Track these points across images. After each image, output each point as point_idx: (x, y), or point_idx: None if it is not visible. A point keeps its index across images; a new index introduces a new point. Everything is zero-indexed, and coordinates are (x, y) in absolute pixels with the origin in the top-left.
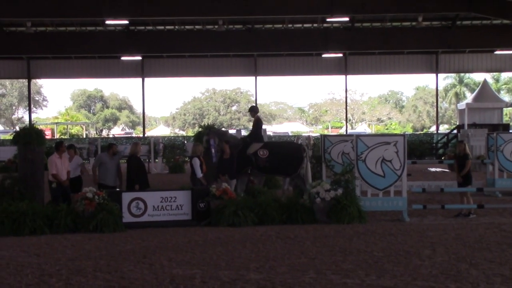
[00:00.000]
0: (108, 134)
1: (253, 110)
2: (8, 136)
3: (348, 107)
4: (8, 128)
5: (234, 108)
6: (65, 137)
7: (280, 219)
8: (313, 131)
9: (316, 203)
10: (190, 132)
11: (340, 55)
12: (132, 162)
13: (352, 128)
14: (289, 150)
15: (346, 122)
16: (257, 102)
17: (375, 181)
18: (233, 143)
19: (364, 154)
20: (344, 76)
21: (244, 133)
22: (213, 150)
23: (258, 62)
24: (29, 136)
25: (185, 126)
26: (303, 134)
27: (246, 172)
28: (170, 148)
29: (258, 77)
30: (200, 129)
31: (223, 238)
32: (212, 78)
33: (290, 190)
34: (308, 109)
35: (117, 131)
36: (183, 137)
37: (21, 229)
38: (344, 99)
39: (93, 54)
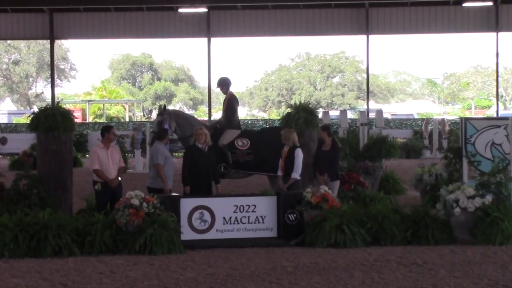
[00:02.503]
0: None
1: (224, 83)
2: (24, 119)
3: (500, 78)
4: (23, 108)
5: (336, 80)
6: (101, 120)
7: (403, 238)
8: (449, 113)
9: (455, 216)
10: (274, 114)
11: (489, 3)
12: (190, 155)
13: (505, 108)
14: (277, 137)
15: (497, 100)
16: (369, 72)
17: None
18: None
19: None
20: (494, 34)
21: (351, 115)
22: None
23: (370, 14)
24: (53, 119)
25: (267, 105)
26: (435, 117)
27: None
28: None
29: (370, 36)
30: (289, 110)
31: (322, 263)
32: (305, 38)
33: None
34: (441, 82)
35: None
36: (264, 120)
37: (42, 248)
38: (495, 66)
39: (140, 4)
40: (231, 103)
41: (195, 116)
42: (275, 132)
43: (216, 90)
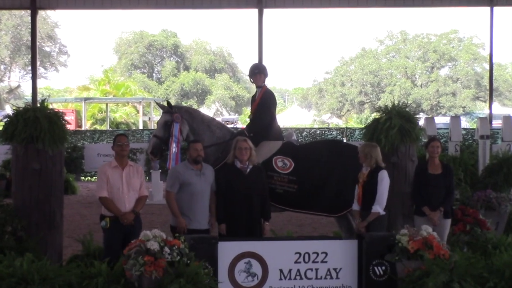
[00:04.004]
0: None
1: (259, 71)
2: None
3: None
4: None
5: (444, 71)
6: (102, 127)
7: None
8: None
9: None
10: (354, 121)
11: None
12: (224, 178)
13: None
14: (338, 156)
15: None
16: (493, 61)
17: None
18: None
19: None
20: None
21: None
22: (174, 145)
23: None
24: (35, 125)
25: (343, 108)
26: None
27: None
28: None
29: (496, 9)
30: (376, 115)
31: None
32: (400, 11)
33: None
34: None
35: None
36: (339, 130)
37: None
38: None
39: None
40: (264, 102)
41: (217, 119)
42: (335, 148)
43: (269, 84)
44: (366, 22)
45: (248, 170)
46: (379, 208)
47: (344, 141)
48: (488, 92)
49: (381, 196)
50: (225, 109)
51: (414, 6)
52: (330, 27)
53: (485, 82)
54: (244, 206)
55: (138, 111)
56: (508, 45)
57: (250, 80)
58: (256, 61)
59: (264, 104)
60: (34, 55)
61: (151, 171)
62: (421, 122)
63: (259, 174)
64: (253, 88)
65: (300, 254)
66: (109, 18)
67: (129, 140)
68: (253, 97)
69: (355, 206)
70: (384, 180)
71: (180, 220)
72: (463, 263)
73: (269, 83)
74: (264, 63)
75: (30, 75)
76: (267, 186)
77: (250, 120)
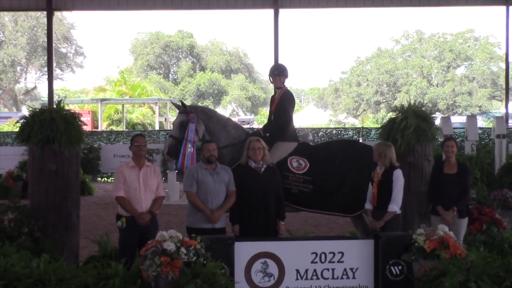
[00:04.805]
0: None
1: (280, 72)
2: (9, 126)
3: None
4: (7, 110)
5: (460, 71)
6: (119, 127)
7: None
8: None
9: None
10: (370, 121)
11: None
12: (238, 178)
13: None
14: (353, 155)
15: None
16: (509, 60)
17: None
18: (233, 137)
19: None
20: None
21: (482, 123)
22: (189, 145)
23: None
24: (51, 126)
25: (359, 108)
26: None
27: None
28: None
29: None
30: (393, 115)
31: None
32: (416, 10)
33: None
34: None
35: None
36: (355, 129)
37: None
38: None
39: None
40: (282, 103)
41: (233, 119)
42: (351, 148)
43: (287, 84)
44: (381, 22)
45: (263, 170)
46: (395, 207)
47: (360, 141)
48: (504, 91)
49: (397, 195)
50: (241, 110)
51: (430, 5)
52: (346, 27)
53: (501, 81)
54: (259, 206)
55: (154, 112)
56: None
57: (270, 80)
58: (272, 61)
59: (282, 105)
60: (50, 56)
61: (167, 171)
62: (437, 122)
63: (273, 174)
64: (270, 88)
65: (316, 254)
66: (125, 19)
67: (146, 140)
68: (272, 97)
69: (368, 205)
70: (399, 179)
71: (207, 212)
72: (479, 262)
73: (286, 83)
74: (279, 59)
75: (46, 76)
76: (281, 186)
77: (268, 120)
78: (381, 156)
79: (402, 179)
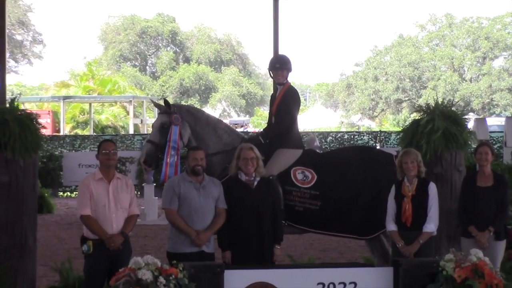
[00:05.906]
0: None
1: (282, 65)
2: None
3: None
4: None
5: (498, 63)
6: (85, 131)
7: None
8: None
9: None
10: (389, 124)
11: None
12: (228, 194)
13: None
14: (366, 166)
15: None
16: None
17: None
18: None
19: None
20: None
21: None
22: (172, 152)
23: None
24: (3, 129)
25: (377, 107)
26: None
27: None
28: None
29: None
30: (417, 116)
31: None
32: None
33: None
34: None
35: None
36: (372, 133)
37: None
38: None
39: None
40: (286, 102)
41: (224, 121)
42: (367, 156)
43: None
44: (404, 4)
45: (255, 183)
46: (433, 226)
47: (378, 147)
48: None
49: (434, 213)
50: (234, 110)
51: None
52: (360, 11)
53: None
54: (252, 226)
55: (128, 112)
56: None
57: (270, 75)
58: (271, 51)
59: (284, 105)
60: (2, 45)
61: (143, 184)
62: (470, 124)
63: (268, 188)
64: (269, 84)
65: (323, 284)
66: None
67: (117, 147)
68: (273, 96)
69: (392, 226)
70: (436, 194)
71: (192, 234)
72: None
73: (289, 78)
74: (279, 50)
75: None
76: (279, 202)
77: (268, 124)
78: (417, 165)
79: (436, 192)
